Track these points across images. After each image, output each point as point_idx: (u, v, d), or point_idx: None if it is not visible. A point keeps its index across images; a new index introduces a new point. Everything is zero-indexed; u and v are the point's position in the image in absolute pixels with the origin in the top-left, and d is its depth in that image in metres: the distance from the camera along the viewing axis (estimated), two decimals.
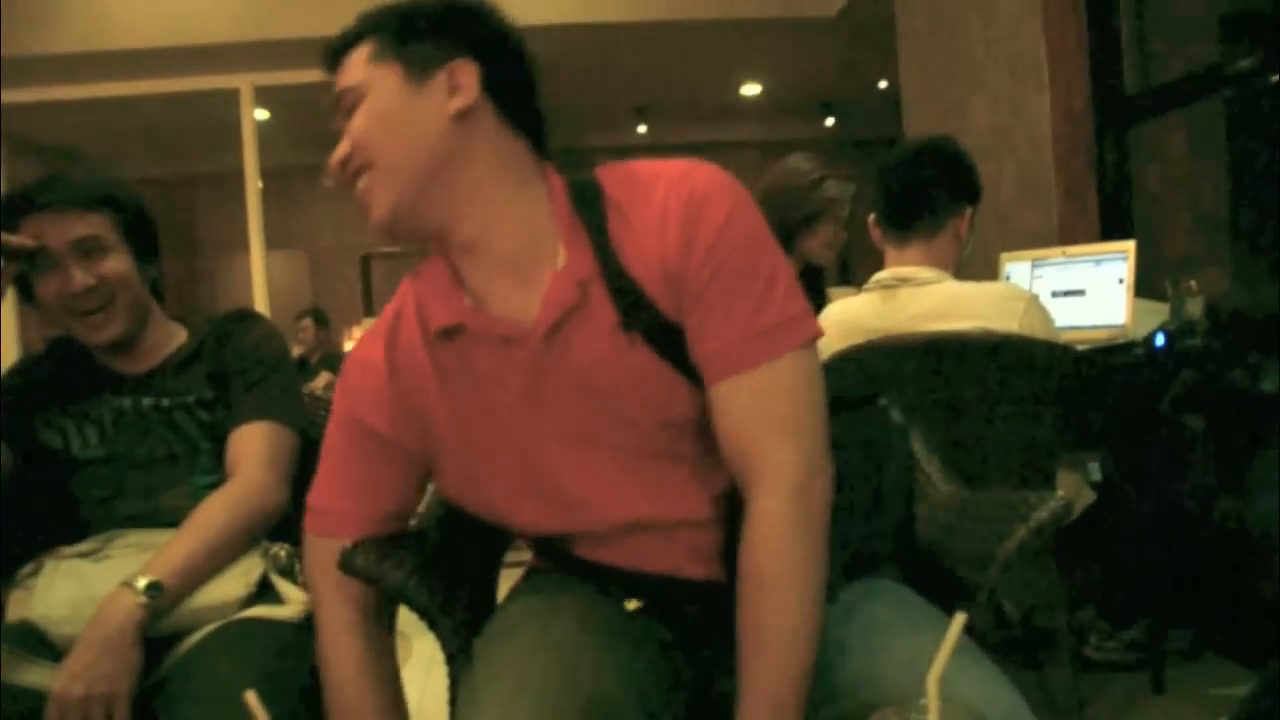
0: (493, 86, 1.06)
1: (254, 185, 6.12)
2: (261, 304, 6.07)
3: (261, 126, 6.33)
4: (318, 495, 1.16)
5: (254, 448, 1.42)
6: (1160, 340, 2.36)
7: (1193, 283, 2.51)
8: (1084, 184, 3.19)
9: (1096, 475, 2.23)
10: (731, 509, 1.05)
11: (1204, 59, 3.26)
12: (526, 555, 1.29)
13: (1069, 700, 2.08)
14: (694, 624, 1.11)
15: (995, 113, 3.60)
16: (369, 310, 4.82)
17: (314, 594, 1.17)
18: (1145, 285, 2.58)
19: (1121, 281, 2.55)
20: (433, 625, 1.17)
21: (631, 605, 1.13)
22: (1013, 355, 1.83)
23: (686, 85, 7.47)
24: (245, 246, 6.21)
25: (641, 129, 8.31)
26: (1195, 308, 2.50)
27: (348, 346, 7.74)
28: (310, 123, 7.77)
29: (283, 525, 1.40)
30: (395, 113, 1.04)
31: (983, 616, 1.02)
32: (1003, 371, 1.84)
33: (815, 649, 0.97)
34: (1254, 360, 2.73)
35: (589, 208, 1.07)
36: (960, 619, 0.75)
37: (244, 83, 6.03)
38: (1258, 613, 2.57)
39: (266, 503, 1.39)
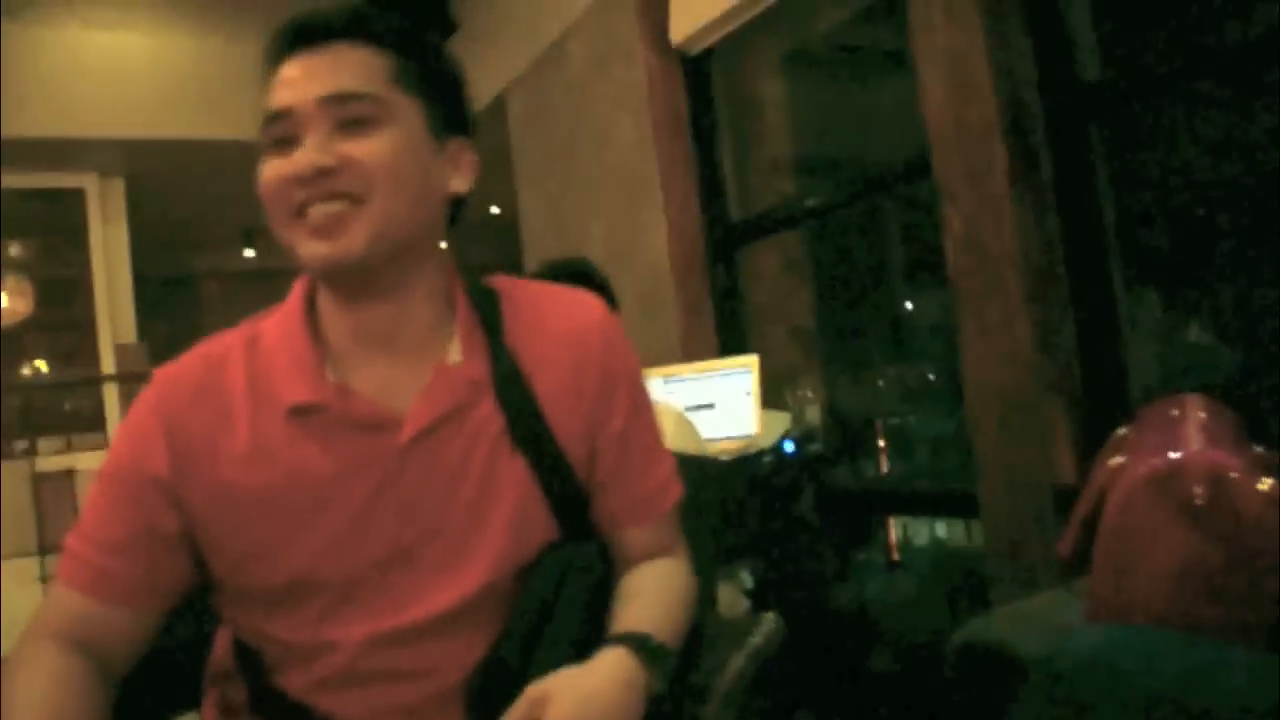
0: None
1: None
2: None
3: None
4: (80, 539, 0.99)
5: None
6: (790, 447, 2.51)
7: (809, 392, 2.71)
8: (701, 302, 3.38)
9: (749, 583, 2.31)
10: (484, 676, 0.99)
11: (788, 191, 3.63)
12: None
13: None
14: None
15: (614, 235, 3.75)
16: None
17: (27, 633, 0.96)
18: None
19: (748, 393, 2.70)
20: None
21: None
22: None
23: None
24: None
25: (249, 253, 7.92)
26: (814, 414, 2.70)
27: None
28: None
29: None
30: (417, 163, 0.97)
31: None
32: None
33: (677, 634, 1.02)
34: (852, 459, 3.00)
35: (487, 309, 1.05)
36: None
37: None
38: (873, 685, 2.77)
39: None
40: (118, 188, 5.75)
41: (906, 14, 2.33)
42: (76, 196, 5.75)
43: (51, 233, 6.49)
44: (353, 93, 0.95)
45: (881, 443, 3.25)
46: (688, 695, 0.98)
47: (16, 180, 5.56)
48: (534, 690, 0.90)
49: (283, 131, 0.96)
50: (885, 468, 3.15)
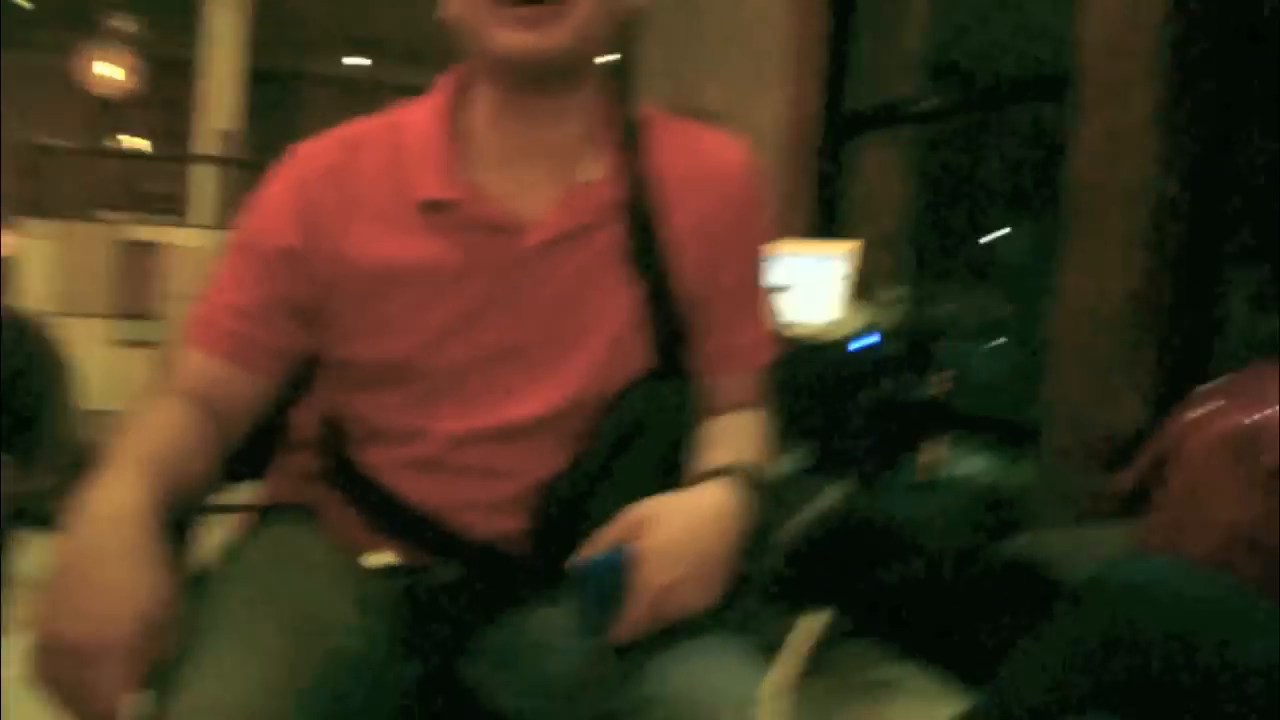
0: None
1: None
2: None
3: None
4: (210, 305, 1.01)
5: None
6: (867, 341, 2.50)
7: (897, 294, 2.69)
8: (804, 184, 3.34)
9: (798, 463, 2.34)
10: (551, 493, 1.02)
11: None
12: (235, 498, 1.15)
13: None
14: (442, 594, 1.04)
15: (730, 101, 3.70)
16: (39, 210, 4.22)
17: (150, 394, 0.99)
18: None
19: (841, 279, 2.65)
20: None
21: (376, 559, 1.03)
22: None
23: (414, 25, 7.16)
24: None
25: (360, 61, 7.90)
26: (896, 315, 2.68)
27: None
28: None
29: None
30: None
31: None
32: None
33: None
34: (911, 372, 2.98)
35: (632, 134, 1.05)
36: (813, 622, 0.73)
37: None
38: (890, 598, 2.82)
39: None
40: None
41: None
42: None
43: (165, 9, 6.52)
44: None
45: (943, 362, 3.24)
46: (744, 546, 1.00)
47: None
48: (635, 512, 0.92)
49: None
50: (943, 388, 3.13)
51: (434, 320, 1.00)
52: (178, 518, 0.90)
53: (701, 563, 0.91)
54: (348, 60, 7.96)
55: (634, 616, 0.88)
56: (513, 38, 0.94)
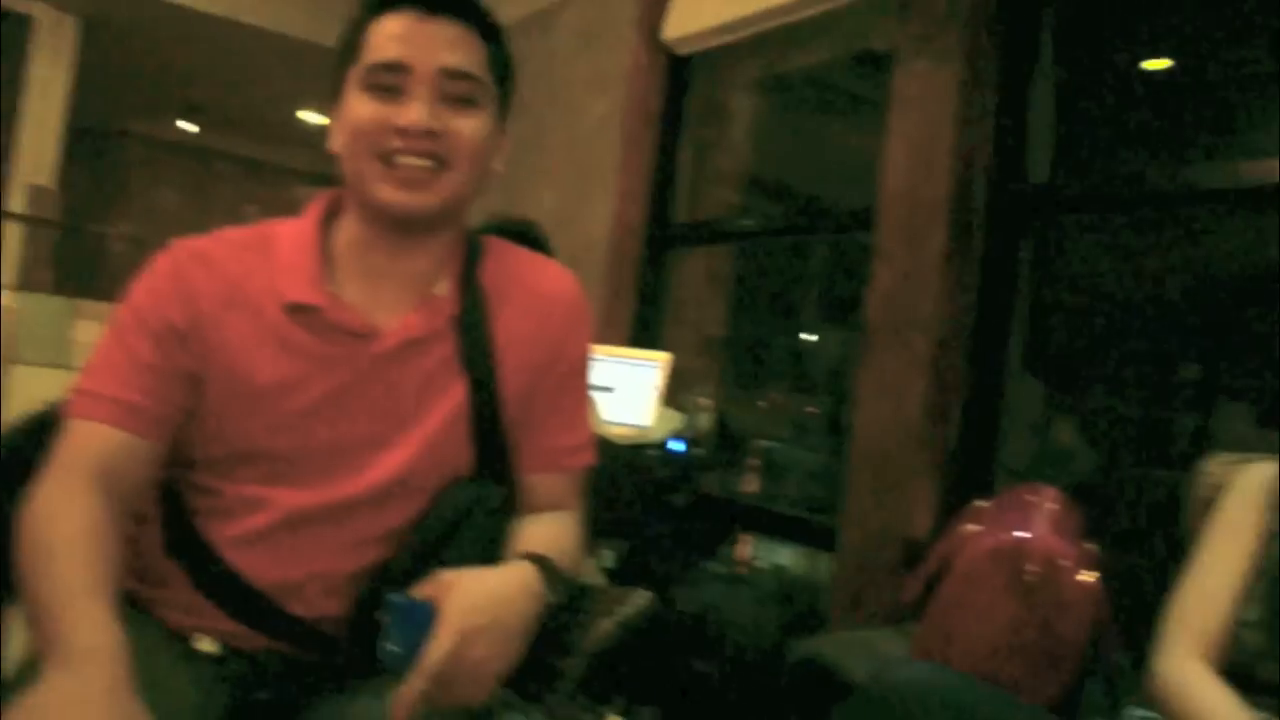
0: None
1: None
2: None
3: None
4: (97, 379, 1.05)
5: None
6: (677, 446, 2.63)
7: (705, 399, 2.84)
8: (625, 292, 3.47)
9: (609, 561, 2.42)
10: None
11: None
12: None
13: None
14: (266, 678, 1.07)
15: (561, 208, 3.82)
16: None
17: (49, 473, 1.01)
18: None
19: (652, 387, 2.80)
20: None
21: (205, 646, 1.07)
22: None
23: (246, 95, 7.08)
24: None
25: (190, 127, 7.72)
26: (705, 421, 2.83)
27: None
28: None
29: None
30: (489, 143, 1.13)
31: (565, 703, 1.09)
32: None
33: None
34: (722, 472, 3.14)
35: (472, 256, 1.18)
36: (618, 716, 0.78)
37: None
38: (693, 685, 2.92)
39: None
40: (70, 25, 5.55)
41: (890, 76, 2.46)
42: (23, 22, 5.53)
43: None
44: (468, 73, 1.09)
45: (755, 462, 3.40)
46: (553, 646, 1.08)
47: None
48: (443, 576, 1.01)
49: (390, 81, 1.07)
50: (754, 486, 3.29)
51: (288, 408, 1.08)
52: None
53: (496, 624, 0.99)
54: (175, 124, 7.77)
55: (434, 657, 0.94)
56: (393, 195, 1.07)
